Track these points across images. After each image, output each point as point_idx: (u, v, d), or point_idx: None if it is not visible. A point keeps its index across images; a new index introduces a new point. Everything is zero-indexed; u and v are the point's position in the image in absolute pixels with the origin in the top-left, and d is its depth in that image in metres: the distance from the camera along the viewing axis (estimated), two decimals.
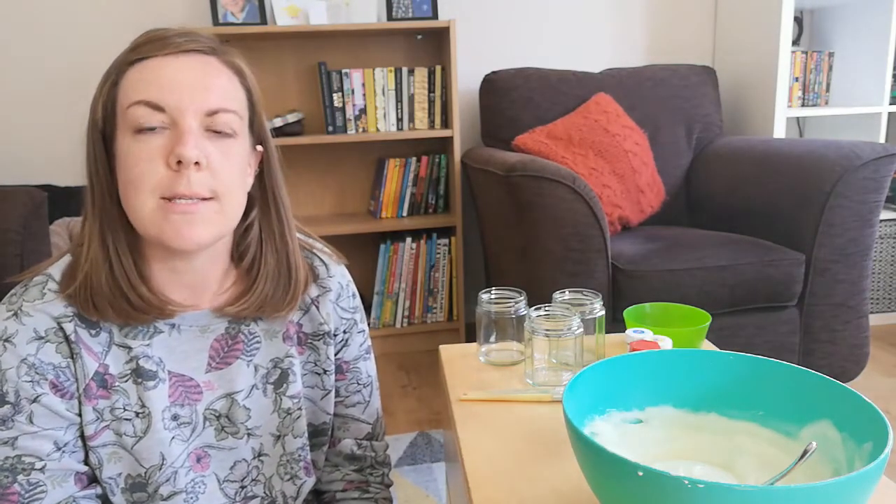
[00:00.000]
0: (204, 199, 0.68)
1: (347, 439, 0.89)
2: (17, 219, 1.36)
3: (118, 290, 0.70)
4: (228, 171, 0.70)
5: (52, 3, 2.35)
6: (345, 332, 0.86)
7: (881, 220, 2.48)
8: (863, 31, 2.56)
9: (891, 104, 2.54)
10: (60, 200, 2.17)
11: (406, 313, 2.53)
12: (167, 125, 0.67)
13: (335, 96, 2.38)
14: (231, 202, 0.71)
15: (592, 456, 0.53)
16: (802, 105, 2.66)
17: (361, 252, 2.59)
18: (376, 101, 2.42)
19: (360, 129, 2.43)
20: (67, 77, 2.39)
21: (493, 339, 0.99)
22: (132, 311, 0.71)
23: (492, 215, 2.17)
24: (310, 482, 0.86)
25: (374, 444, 0.91)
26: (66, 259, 0.73)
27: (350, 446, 0.89)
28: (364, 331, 0.89)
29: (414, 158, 2.50)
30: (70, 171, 2.42)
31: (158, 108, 0.66)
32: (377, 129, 2.45)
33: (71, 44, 2.38)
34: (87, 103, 0.71)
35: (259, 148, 0.77)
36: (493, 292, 0.99)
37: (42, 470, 0.69)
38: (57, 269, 0.72)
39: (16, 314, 0.69)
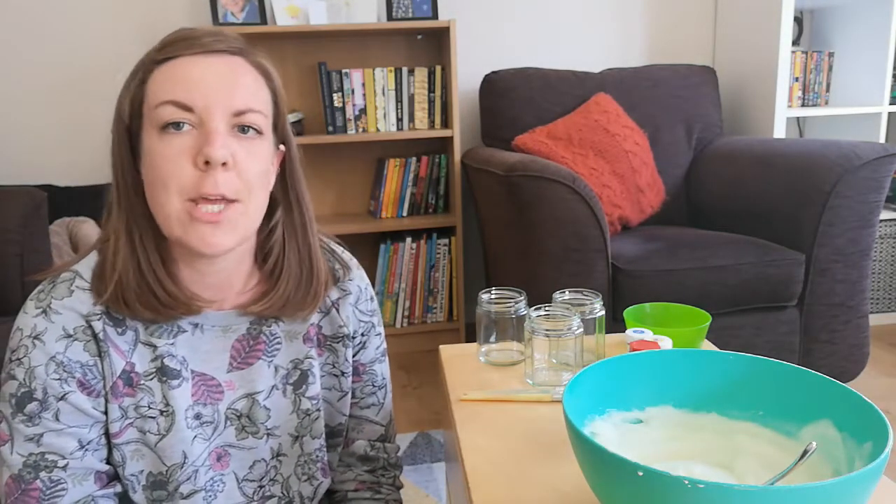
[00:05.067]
0: (229, 201, 0.68)
1: (361, 440, 0.90)
2: (17, 219, 1.36)
3: (146, 285, 0.70)
4: (254, 170, 0.70)
5: (52, 4, 2.35)
6: (363, 334, 0.87)
7: (881, 220, 2.48)
8: (863, 31, 2.56)
9: (891, 104, 2.54)
10: (60, 200, 2.17)
11: (406, 313, 2.53)
12: (194, 125, 0.67)
13: (335, 96, 2.38)
14: (255, 202, 0.71)
15: (592, 456, 0.53)
16: (802, 105, 2.66)
17: (361, 252, 2.57)
18: (376, 101, 2.42)
19: (360, 129, 2.43)
20: (67, 77, 2.39)
21: (493, 339, 0.99)
22: (160, 306, 0.71)
23: (492, 215, 2.17)
24: (326, 483, 0.86)
25: (387, 446, 0.92)
26: (93, 256, 0.73)
27: (363, 447, 0.90)
28: (380, 333, 0.90)
29: (414, 158, 2.50)
30: (70, 171, 2.42)
31: (187, 108, 0.66)
32: (377, 129, 2.45)
33: (71, 44, 2.38)
34: (87, 103, 0.71)
35: (281, 147, 0.78)
36: (493, 292, 0.99)
37: (64, 468, 0.70)
38: (84, 266, 0.72)
39: (45, 311, 0.69)
